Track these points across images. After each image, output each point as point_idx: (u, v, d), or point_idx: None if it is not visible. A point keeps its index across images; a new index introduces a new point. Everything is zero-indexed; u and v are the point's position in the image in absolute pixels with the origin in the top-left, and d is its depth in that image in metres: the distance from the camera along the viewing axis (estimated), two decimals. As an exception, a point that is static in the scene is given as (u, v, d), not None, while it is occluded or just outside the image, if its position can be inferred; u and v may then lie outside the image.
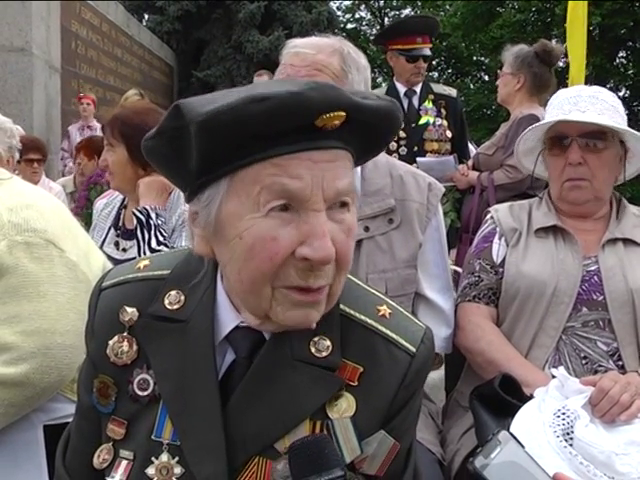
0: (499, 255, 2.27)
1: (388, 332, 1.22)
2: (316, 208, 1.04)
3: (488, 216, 2.40)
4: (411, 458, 1.28)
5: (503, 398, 1.90)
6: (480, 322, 2.22)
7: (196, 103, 1.03)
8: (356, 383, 1.18)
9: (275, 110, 0.99)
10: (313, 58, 2.00)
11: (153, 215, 2.66)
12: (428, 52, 4.82)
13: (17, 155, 2.72)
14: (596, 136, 2.15)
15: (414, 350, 1.21)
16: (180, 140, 1.05)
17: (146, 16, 19.59)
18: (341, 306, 1.21)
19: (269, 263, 1.04)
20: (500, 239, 2.29)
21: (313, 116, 1.02)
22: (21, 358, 1.75)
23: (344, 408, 1.17)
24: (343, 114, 1.04)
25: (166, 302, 1.22)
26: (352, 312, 1.23)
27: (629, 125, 2.24)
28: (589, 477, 1.63)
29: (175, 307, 1.22)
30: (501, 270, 2.24)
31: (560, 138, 2.20)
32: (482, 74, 27.79)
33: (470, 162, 4.51)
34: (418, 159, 4.42)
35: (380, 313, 1.24)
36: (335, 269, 1.09)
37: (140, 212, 2.67)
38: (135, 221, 2.69)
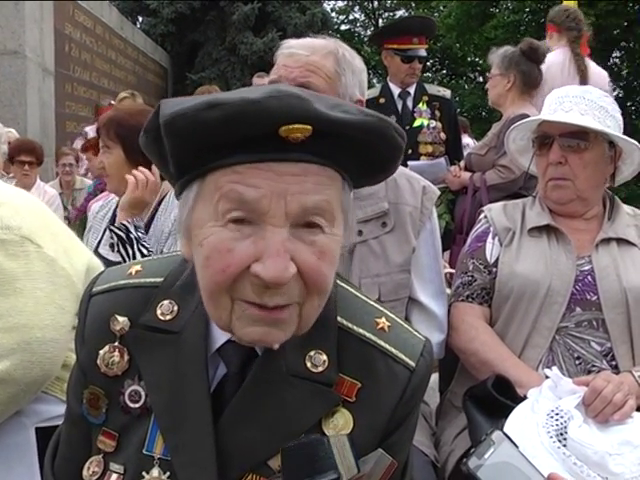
0: (493, 255, 2.26)
1: (387, 346, 1.19)
2: (275, 223, 0.99)
3: (482, 215, 2.39)
4: (407, 473, 1.25)
5: (496, 399, 1.90)
6: (474, 322, 2.21)
7: (171, 103, 1.01)
8: (353, 399, 1.15)
9: (229, 117, 0.96)
10: (306, 59, 1.98)
11: (132, 229, 2.65)
12: (424, 53, 4.79)
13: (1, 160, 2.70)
14: (578, 136, 2.15)
15: (413, 365, 1.19)
16: (160, 140, 1.03)
17: (140, 18, 19.57)
18: (338, 319, 1.18)
19: (222, 275, 1.01)
20: (494, 239, 2.28)
21: (272, 126, 0.97)
22: (1, 355, 1.73)
23: (341, 425, 1.14)
24: (308, 127, 0.98)
25: (158, 312, 1.19)
26: (350, 325, 1.19)
27: (624, 125, 2.24)
28: (582, 477, 1.63)
29: (167, 318, 1.19)
30: (494, 270, 2.24)
31: (544, 138, 2.21)
32: (476, 75, 27.79)
33: (462, 163, 4.50)
34: (409, 163, 4.39)
35: (379, 326, 1.21)
36: (305, 291, 1.03)
37: (119, 229, 2.66)
38: (116, 239, 2.67)
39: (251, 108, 0.95)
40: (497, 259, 2.25)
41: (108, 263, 2.30)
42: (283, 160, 1.00)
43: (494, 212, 2.35)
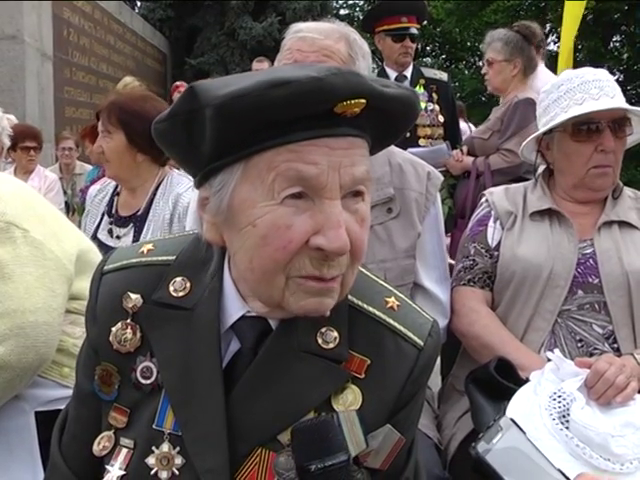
0: (494, 239, 2.26)
1: (396, 325, 1.20)
2: (331, 196, 1.02)
3: (483, 199, 2.39)
4: (413, 451, 1.26)
5: (499, 382, 1.90)
6: (475, 306, 2.21)
7: (212, 86, 1.00)
8: (363, 376, 1.16)
9: (295, 96, 0.96)
10: (321, 43, 1.96)
11: None
12: (415, 31, 4.73)
13: (7, 142, 2.67)
14: (623, 122, 2.14)
15: (422, 344, 1.20)
16: (193, 123, 1.02)
17: (138, 3, 19.46)
18: (349, 297, 1.19)
19: (283, 252, 1.02)
20: (495, 222, 2.28)
21: (333, 102, 0.99)
22: None
23: (350, 401, 1.15)
24: (364, 101, 1.01)
25: (171, 289, 1.20)
26: (360, 303, 1.21)
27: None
28: (585, 459, 1.64)
29: (180, 294, 1.20)
30: (496, 254, 2.24)
31: (587, 123, 2.14)
32: (476, 59, 27.70)
33: (465, 148, 4.48)
34: (410, 150, 4.38)
35: (388, 305, 1.22)
36: (349, 260, 1.07)
37: None
38: None
39: (317, 85, 0.97)
40: (499, 243, 2.25)
41: (107, 249, 2.29)
42: (335, 135, 1.03)
43: (495, 196, 2.34)
